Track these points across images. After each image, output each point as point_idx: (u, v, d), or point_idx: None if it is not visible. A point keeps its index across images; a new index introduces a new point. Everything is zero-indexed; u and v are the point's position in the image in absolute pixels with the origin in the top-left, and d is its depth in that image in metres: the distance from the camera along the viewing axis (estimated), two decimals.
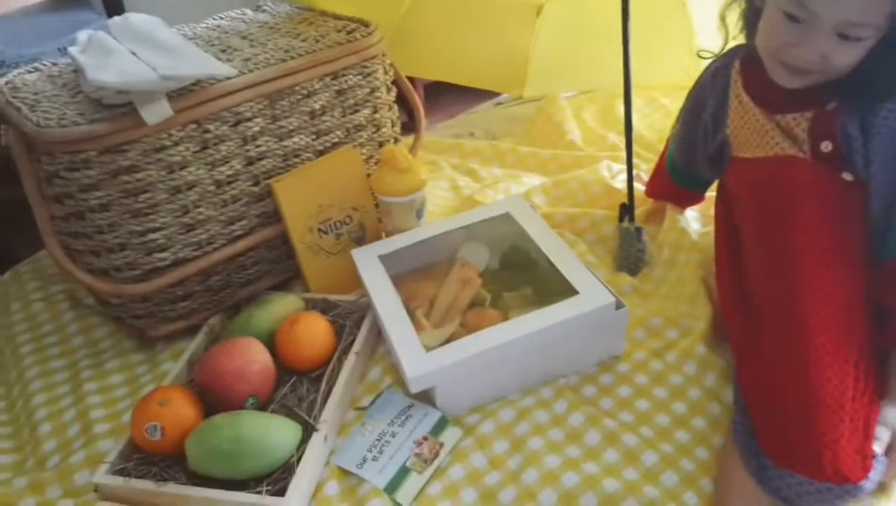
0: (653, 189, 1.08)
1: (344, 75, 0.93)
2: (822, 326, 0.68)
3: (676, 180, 1.00)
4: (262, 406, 0.80)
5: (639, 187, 1.08)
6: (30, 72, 0.91)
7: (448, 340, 0.81)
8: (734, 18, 0.83)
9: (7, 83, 0.87)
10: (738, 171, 0.83)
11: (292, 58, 0.88)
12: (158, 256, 0.87)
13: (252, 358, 0.80)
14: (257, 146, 0.89)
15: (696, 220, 1.01)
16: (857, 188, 0.72)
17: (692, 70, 1.38)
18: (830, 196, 0.73)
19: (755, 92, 0.80)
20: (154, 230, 0.85)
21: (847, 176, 0.73)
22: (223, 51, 0.93)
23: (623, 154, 1.11)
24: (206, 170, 0.86)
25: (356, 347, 0.85)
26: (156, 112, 0.77)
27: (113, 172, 0.80)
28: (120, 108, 0.79)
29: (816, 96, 0.73)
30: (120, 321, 0.96)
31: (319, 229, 0.96)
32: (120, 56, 0.80)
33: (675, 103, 1.37)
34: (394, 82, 1.02)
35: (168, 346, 0.94)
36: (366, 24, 0.97)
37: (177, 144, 0.82)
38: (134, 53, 0.83)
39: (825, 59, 0.69)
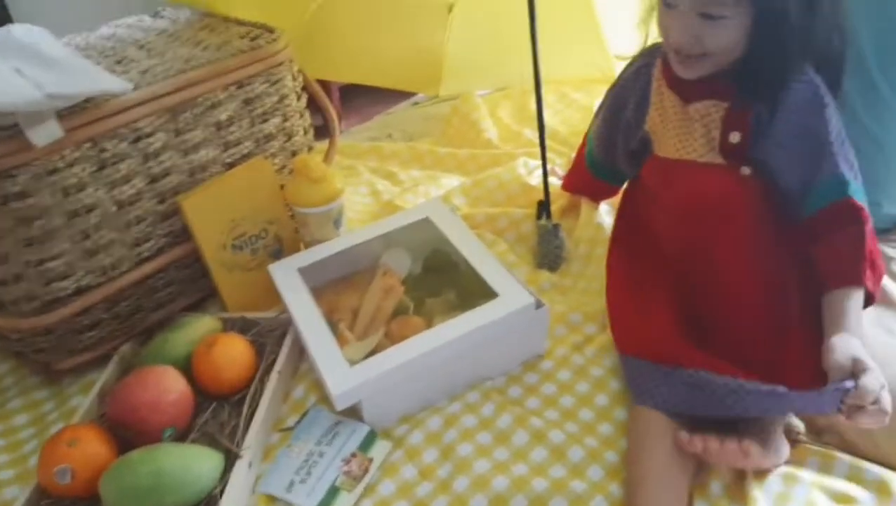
0: (570, 183, 1.10)
1: (250, 84, 0.90)
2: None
3: (595, 174, 1.01)
4: (182, 436, 0.77)
5: (555, 182, 1.10)
6: None
7: (373, 352, 0.80)
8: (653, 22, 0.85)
9: None
10: (656, 168, 0.86)
11: (193, 68, 0.85)
12: (59, 286, 0.82)
13: (167, 387, 0.77)
14: (160, 162, 0.85)
15: (609, 213, 1.04)
16: (757, 182, 0.77)
17: (603, 65, 1.43)
18: (738, 199, 0.78)
19: (675, 86, 0.82)
20: (52, 258, 0.80)
21: (745, 170, 0.76)
22: (118, 62, 0.88)
23: (538, 150, 1.13)
24: (106, 191, 0.81)
25: (278, 365, 0.83)
26: (44, 133, 0.72)
27: (2, 198, 0.74)
28: (5, 130, 0.73)
29: (728, 87, 0.77)
30: (22, 356, 0.90)
31: (234, 245, 0.93)
32: (1, 74, 0.74)
33: (586, 98, 1.40)
34: (304, 88, 1.00)
35: (76, 379, 0.89)
36: (270, 30, 0.94)
37: (71, 166, 0.77)
38: (18, 70, 0.77)
39: (699, 40, 0.72)
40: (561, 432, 0.76)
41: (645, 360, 0.77)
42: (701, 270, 0.81)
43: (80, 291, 0.83)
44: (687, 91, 0.80)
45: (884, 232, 0.95)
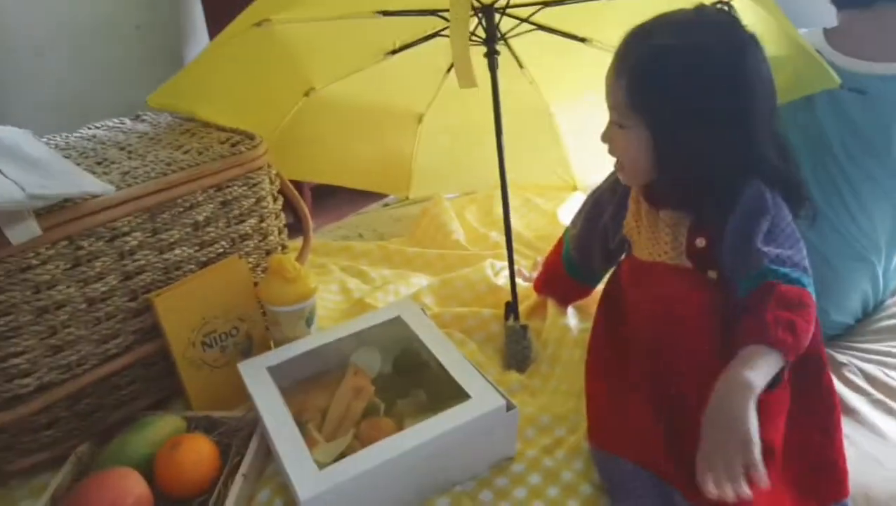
0: (542, 285, 1.12)
1: (228, 187, 0.93)
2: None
3: (573, 275, 1.05)
4: None
5: (521, 284, 1.14)
6: None
7: (342, 455, 0.79)
8: None
9: None
10: (630, 268, 0.91)
11: (174, 171, 0.87)
12: (20, 383, 0.80)
13: (126, 491, 0.74)
14: (135, 260, 0.86)
15: (575, 315, 1.07)
16: (720, 284, 0.81)
17: (561, 171, 1.51)
18: (704, 302, 0.80)
19: (648, 196, 0.88)
20: (16, 354, 0.79)
21: (712, 274, 0.81)
22: (99, 163, 0.91)
23: (505, 252, 1.17)
24: (78, 288, 0.82)
25: (243, 468, 0.81)
26: (22, 232, 0.73)
27: None
28: None
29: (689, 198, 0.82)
30: None
31: (203, 343, 0.92)
32: None
33: (548, 203, 1.48)
34: (279, 191, 1.03)
35: (26, 481, 0.85)
36: (250, 137, 0.98)
37: (45, 263, 0.78)
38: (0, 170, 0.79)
39: (611, 146, 0.82)
40: None
41: (624, 459, 0.79)
42: (666, 368, 0.83)
43: (41, 389, 0.82)
44: (658, 200, 0.86)
45: (832, 339, 1.01)
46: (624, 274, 0.92)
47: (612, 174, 0.95)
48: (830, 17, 0.97)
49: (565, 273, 1.06)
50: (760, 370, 0.67)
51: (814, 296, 0.72)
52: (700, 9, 0.77)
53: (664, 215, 0.84)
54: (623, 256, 0.94)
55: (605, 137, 0.83)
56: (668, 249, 0.83)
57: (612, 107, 0.80)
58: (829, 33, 0.95)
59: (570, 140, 1.46)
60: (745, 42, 0.75)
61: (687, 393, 0.80)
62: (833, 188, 0.95)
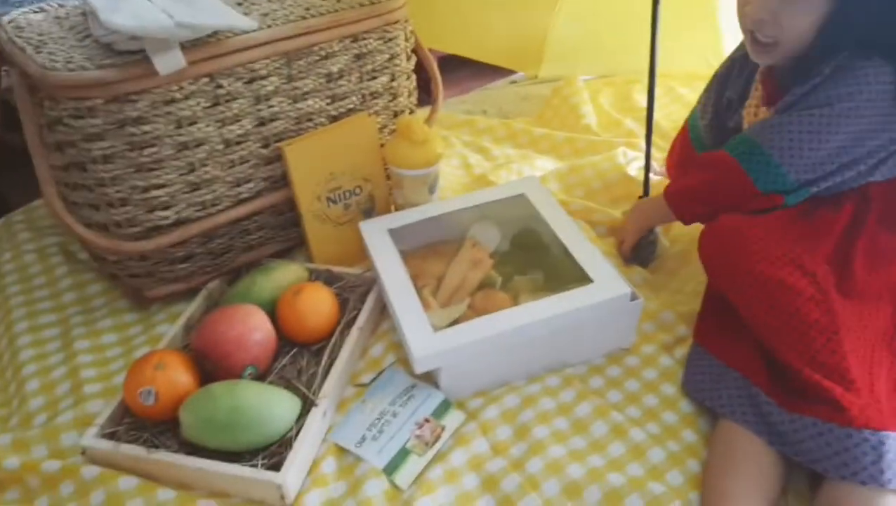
0: (677, 171, 1.05)
1: (364, 39, 0.89)
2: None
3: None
4: (260, 377, 0.78)
5: (653, 178, 1.06)
6: (35, 12, 0.86)
7: (456, 322, 0.79)
8: None
9: (10, 22, 0.83)
10: None
11: (312, 16, 0.85)
12: (160, 214, 0.84)
13: (254, 325, 0.78)
14: (270, 107, 0.86)
15: None
16: None
17: (714, 60, 1.36)
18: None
19: (765, 78, 0.83)
20: (158, 187, 0.82)
21: None
22: (239, 3, 0.89)
23: (639, 141, 1.09)
24: (216, 127, 0.83)
25: (359, 322, 0.83)
26: (169, 62, 0.74)
27: (119, 122, 0.76)
28: (131, 54, 0.75)
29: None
30: (115, 279, 0.93)
31: (328, 198, 0.93)
32: (135, 1, 0.76)
33: (693, 94, 1.34)
34: (413, 51, 0.98)
35: (164, 308, 0.91)
36: None
37: (187, 98, 0.79)
38: None
39: (775, 19, 0.71)
40: (642, 431, 0.73)
41: (721, 361, 0.75)
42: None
43: (179, 223, 0.85)
44: (769, 91, 0.81)
45: None
46: None
47: (740, 45, 0.88)
48: None
49: (695, 153, 0.98)
50: (655, 209, 0.90)
51: (738, 164, 0.76)
52: None
53: (765, 110, 0.80)
54: None
55: (766, 11, 0.72)
56: None
57: None
58: None
59: (728, 23, 1.30)
60: None
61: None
62: None
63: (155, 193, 0.82)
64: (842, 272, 0.72)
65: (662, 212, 0.88)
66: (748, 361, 0.74)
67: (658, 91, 1.32)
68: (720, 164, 0.79)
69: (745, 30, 0.76)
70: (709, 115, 0.93)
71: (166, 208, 0.84)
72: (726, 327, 0.77)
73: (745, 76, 0.86)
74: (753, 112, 0.84)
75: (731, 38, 1.31)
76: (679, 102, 1.34)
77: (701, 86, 1.34)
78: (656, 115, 1.27)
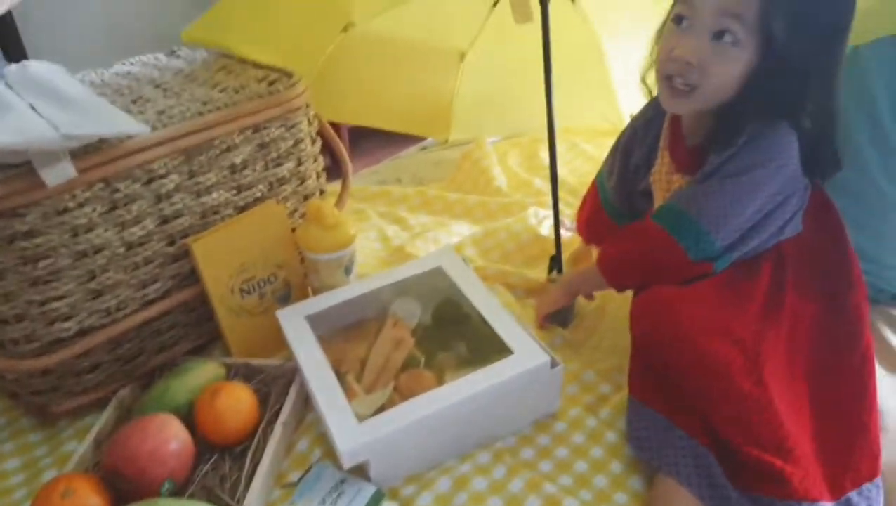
0: (587, 232, 1.07)
1: (266, 128, 0.89)
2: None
3: (616, 220, 1.01)
4: (180, 489, 0.74)
5: (565, 234, 1.09)
6: None
7: (381, 408, 0.78)
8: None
9: None
10: None
11: (210, 111, 0.84)
12: (62, 326, 0.79)
13: (169, 436, 0.74)
14: (172, 204, 0.84)
15: None
16: None
17: (612, 117, 1.44)
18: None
19: (672, 150, 0.85)
20: (56, 298, 0.78)
21: None
22: (134, 101, 0.87)
23: (548, 199, 1.12)
24: (116, 231, 0.80)
25: (282, 416, 0.80)
26: (57, 173, 0.71)
27: (8, 237, 0.72)
28: (16, 167, 0.72)
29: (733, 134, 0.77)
30: (16, 397, 0.87)
31: (242, 289, 0.91)
32: (17, 112, 0.73)
33: (596, 149, 1.41)
34: (318, 133, 0.99)
35: (72, 422, 0.86)
36: (288, 75, 0.93)
37: (82, 206, 0.76)
38: (33, 107, 0.76)
39: (702, 65, 0.72)
40: (575, 500, 0.73)
41: (665, 417, 0.76)
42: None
43: (82, 333, 0.81)
44: (679, 160, 0.83)
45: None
46: None
47: (645, 113, 0.91)
48: None
49: (608, 219, 1.02)
50: (585, 280, 0.93)
51: (669, 234, 0.77)
52: None
53: (677, 178, 0.82)
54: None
55: (695, 55, 0.71)
56: None
57: (734, 16, 0.69)
58: None
59: (620, 81, 1.37)
60: None
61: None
62: None
63: (54, 305, 0.78)
64: (770, 328, 0.75)
65: (593, 281, 0.89)
66: (691, 420, 0.74)
67: (561, 147, 1.40)
68: (652, 233, 0.79)
69: (663, 76, 0.76)
70: (615, 178, 0.96)
71: (67, 319, 0.80)
72: (664, 382, 0.78)
73: (648, 143, 0.89)
74: (665, 180, 0.86)
75: (624, 93, 1.39)
76: (583, 157, 1.40)
77: (602, 141, 1.43)
78: (562, 172, 1.33)
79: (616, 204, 0.98)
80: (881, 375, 0.84)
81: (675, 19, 0.74)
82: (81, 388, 0.85)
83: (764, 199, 0.75)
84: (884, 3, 0.79)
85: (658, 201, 0.88)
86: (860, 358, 0.76)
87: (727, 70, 0.72)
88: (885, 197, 0.89)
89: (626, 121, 1.42)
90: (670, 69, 0.74)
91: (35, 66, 0.87)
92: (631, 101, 1.38)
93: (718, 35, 0.70)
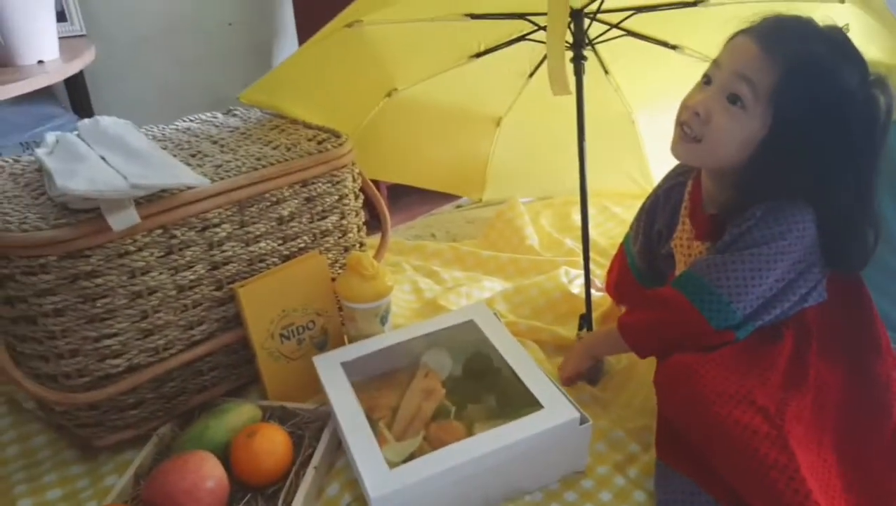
0: (617, 294, 1.10)
1: (313, 183, 0.95)
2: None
3: (642, 282, 1.03)
4: None
5: (595, 294, 1.12)
6: None
7: (412, 456, 0.80)
8: None
9: None
10: None
11: (263, 166, 0.90)
12: (112, 363, 0.84)
13: (206, 474, 0.76)
14: (223, 251, 0.89)
15: None
16: None
17: (640, 179, 1.48)
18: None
19: (693, 218, 0.88)
20: (110, 336, 0.82)
21: None
22: (193, 155, 0.94)
23: (579, 259, 1.15)
24: (169, 275, 0.85)
25: (315, 460, 0.82)
26: (123, 219, 0.77)
27: (72, 276, 0.78)
28: (85, 213, 0.78)
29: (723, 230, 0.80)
30: (62, 429, 0.91)
31: (282, 335, 0.95)
32: (89, 162, 0.80)
33: (626, 212, 1.44)
34: (360, 189, 1.04)
35: (113, 457, 0.89)
36: (336, 135, 0.99)
37: (141, 250, 0.81)
38: (103, 158, 0.83)
39: (706, 117, 0.75)
40: None
41: (693, 482, 0.76)
42: None
43: (130, 370, 0.85)
44: (699, 227, 0.86)
45: None
46: None
47: (667, 179, 0.95)
48: None
49: (635, 280, 1.04)
50: (606, 342, 0.94)
51: (690, 303, 0.79)
52: (837, 32, 0.74)
53: (698, 245, 0.85)
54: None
55: (703, 106, 0.76)
56: None
57: (747, 80, 0.73)
58: None
59: (651, 147, 1.42)
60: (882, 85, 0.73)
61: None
62: None
63: (107, 342, 0.83)
64: (794, 397, 0.75)
65: (614, 344, 0.89)
66: (719, 485, 0.74)
67: (593, 210, 1.43)
68: (672, 302, 0.80)
69: (677, 122, 0.80)
70: (640, 242, 0.99)
71: (118, 357, 0.84)
72: (691, 446, 0.78)
73: (670, 209, 0.92)
74: (686, 245, 0.88)
75: (654, 159, 1.43)
76: (614, 220, 1.43)
77: (633, 203, 1.45)
78: (593, 233, 1.36)
79: (641, 267, 1.01)
80: None
81: (705, 79, 0.78)
82: (124, 423, 0.88)
83: (784, 268, 0.77)
84: None
85: (680, 267, 0.90)
86: (892, 429, 0.76)
87: (730, 128, 0.75)
88: None
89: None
90: (682, 116, 0.79)
91: (105, 121, 0.95)
92: (662, 166, 1.42)
93: (732, 99, 0.74)
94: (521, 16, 1.05)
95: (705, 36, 0.80)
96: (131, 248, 0.81)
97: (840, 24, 0.75)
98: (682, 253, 0.89)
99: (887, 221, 0.89)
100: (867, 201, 0.76)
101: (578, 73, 1.03)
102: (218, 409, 0.89)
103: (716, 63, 0.77)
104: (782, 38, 0.73)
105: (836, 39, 0.73)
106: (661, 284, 0.98)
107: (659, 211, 0.95)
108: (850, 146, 0.73)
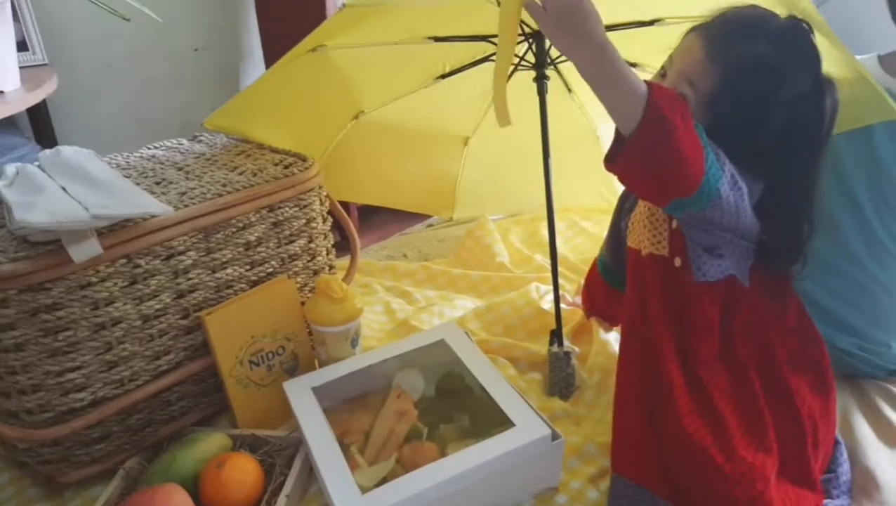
0: (586, 299, 1.12)
1: (280, 208, 0.95)
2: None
3: (609, 281, 1.06)
4: None
5: (565, 308, 1.13)
6: None
7: (384, 479, 0.79)
8: None
9: None
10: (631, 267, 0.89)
11: (229, 192, 0.89)
12: (75, 397, 0.82)
13: None
14: (189, 279, 0.88)
15: None
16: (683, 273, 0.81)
17: (606, 193, 1.50)
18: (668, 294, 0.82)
19: None
20: (73, 369, 0.81)
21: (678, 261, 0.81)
22: (158, 183, 0.93)
23: (549, 275, 1.16)
24: (134, 305, 0.84)
25: (287, 488, 0.81)
26: (84, 250, 0.76)
27: (32, 310, 0.76)
28: (45, 245, 0.76)
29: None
30: (25, 466, 0.89)
31: (251, 361, 0.94)
32: (49, 193, 0.79)
33: (594, 227, 1.46)
34: (329, 211, 1.04)
35: (79, 493, 0.87)
36: (303, 158, 1.00)
37: (104, 280, 0.80)
38: (64, 189, 0.82)
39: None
40: None
41: (637, 485, 0.78)
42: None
43: (95, 403, 0.84)
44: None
45: (892, 374, 0.97)
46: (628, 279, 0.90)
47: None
48: (880, 44, 0.94)
49: (601, 280, 1.06)
50: (617, 60, 0.65)
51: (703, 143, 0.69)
52: (793, 23, 0.75)
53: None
54: None
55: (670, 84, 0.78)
56: (652, 237, 0.83)
57: (688, 82, 0.75)
58: (885, 60, 0.92)
59: None
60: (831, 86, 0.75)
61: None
62: (892, 217, 0.91)
63: (70, 375, 0.81)
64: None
65: (621, 84, 0.66)
66: (667, 485, 0.77)
67: (561, 225, 1.45)
68: (694, 134, 0.69)
69: None
70: (610, 237, 1.02)
71: (82, 390, 0.82)
72: (644, 452, 0.80)
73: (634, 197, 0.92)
74: (647, 208, 0.85)
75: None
76: (583, 235, 1.44)
77: (600, 218, 1.48)
78: (562, 248, 1.38)
79: (608, 265, 1.03)
80: (879, 449, 0.85)
81: (662, 72, 0.80)
82: (90, 458, 0.86)
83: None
84: (855, 97, 0.84)
85: (634, 237, 0.88)
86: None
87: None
88: (873, 279, 0.92)
89: None
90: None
91: (67, 151, 0.94)
92: None
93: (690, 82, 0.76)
94: (484, 38, 1.07)
95: (665, 53, 0.82)
96: (94, 279, 0.79)
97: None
98: (635, 217, 0.88)
99: (847, 234, 0.92)
100: (807, 199, 0.77)
101: (542, 91, 1.04)
102: (186, 439, 0.87)
103: (670, 58, 0.80)
104: (729, 40, 0.74)
105: (787, 38, 0.74)
106: (623, 285, 0.97)
107: (630, 196, 0.96)
108: (793, 145, 0.75)
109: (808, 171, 0.76)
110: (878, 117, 0.87)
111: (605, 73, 0.66)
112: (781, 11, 0.77)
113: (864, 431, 0.88)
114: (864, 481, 0.81)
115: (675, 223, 0.80)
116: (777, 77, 0.73)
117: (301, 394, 0.89)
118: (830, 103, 0.74)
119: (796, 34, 0.75)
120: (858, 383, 0.95)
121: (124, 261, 0.81)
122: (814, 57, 0.75)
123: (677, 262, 0.80)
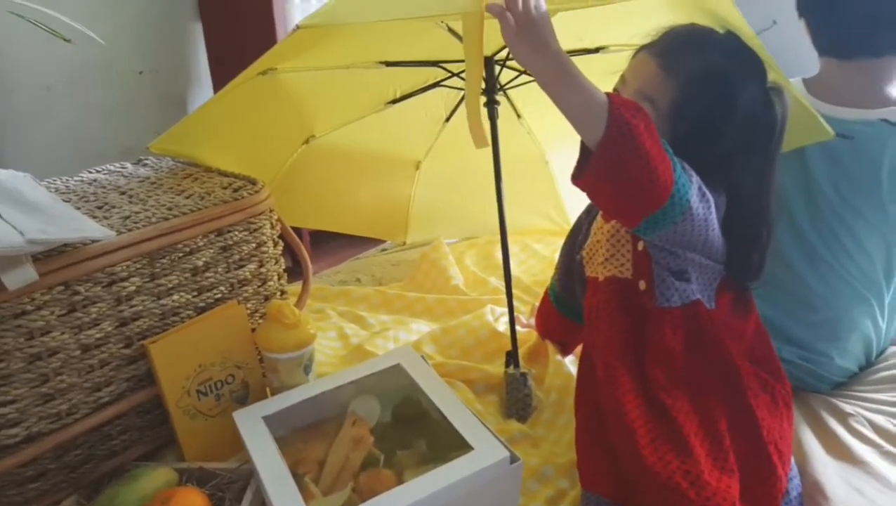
0: (540, 324, 1.13)
1: (229, 232, 0.92)
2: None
3: (561, 309, 1.06)
4: None
5: (520, 330, 1.13)
6: None
7: None
8: None
9: None
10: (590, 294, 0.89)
11: (175, 216, 0.87)
12: (8, 433, 0.77)
13: None
14: (132, 306, 0.85)
15: (576, 363, 1.06)
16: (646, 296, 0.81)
17: (556, 217, 1.52)
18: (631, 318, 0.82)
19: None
20: (5, 404, 0.76)
21: (643, 284, 0.81)
22: (100, 207, 0.90)
23: (504, 297, 1.16)
24: (72, 334, 0.80)
25: None
26: (19, 277, 0.72)
27: None
28: None
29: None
30: None
31: (199, 391, 0.90)
32: None
33: (546, 249, 1.48)
34: (280, 236, 1.02)
35: None
36: (252, 182, 0.98)
37: (40, 309, 0.76)
38: None
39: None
40: None
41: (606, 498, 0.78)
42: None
43: (29, 439, 0.79)
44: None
45: (836, 387, 1.00)
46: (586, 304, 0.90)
47: (585, 210, 0.97)
48: (803, 68, 0.99)
49: (554, 308, 1.06)
50: (573, 67, 0.66)
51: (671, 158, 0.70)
52: (734, 39, 0.78)
53: (608, 227, 0.84)
54: None
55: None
56: (614, 260, 0.83)
57: (646, 98, 0.76)
58: (809, 82, 0.97)
59: (566, 186, 1.47)
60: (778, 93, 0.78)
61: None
62: (829, 231, 0.95)
63: (2, 410, 0.76)
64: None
65: (581, 93, 0.66)
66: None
67: (514, 248, 1.46)
68: (662, 149, 0.70)
69: None
70: (561, 268, 1.02)
71: (15, 425, 0.78)
72: (610, 471, 0.80)
73: (588, 222, 0.92)
74: (603, 231, 0.85)
75: (568, 197, 1.48)
76: (535, 257, 1.46)
77: (552, 241, 1.50)
78: (516, 271, 1.39)
79: (560, 295, 1.04)
80: (828, 462, 0.87)
81: (615, 93, 0.79)
82: (23, 498, 0.81)
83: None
84: (791, 119, 0.89)
85: (593, 266, 0.88)
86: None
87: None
88: (815, 294, 0.95)
89: (573, 222, 1.52)
90: None
91: (2, 175, 0.90)
92: (577, 203, 1.47)
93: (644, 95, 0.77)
94: (435, 63, 1.08)
95: (611, 77, 0.84)
96: (29, 307, 0.75)
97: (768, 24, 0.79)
98: (598, 247, 0.87)
99: (786, 248, 0.95)
100: (765, 206, 0.79)
101: (492, 117, 1.06)
102: (129, 475, 0.83)
103: (622, 78, 0.81)
104: (683, 52, 0.77)
105: (733, 46, 0.77)
106: (579, 311, 0.97)
107: (581, 231, 0.95)
108: (750, 153, 0.77)
109: (766, 178, 0.79)
110: (813, 139, 0.92)
111: (565, 81, 0.66)
112: (720, 30, 0.80)
113: (812, 444, 0.90)
114: (814, 494, 0.83)
115: (640, 245, 0.81)
116: (732, 85, 0.76)
117: (252, 423, 0.86)
118: (780, 110, 0.77)
119: (743, 45, 0.78)
120: (804, 398, 0.98)
121: (62, 288, 0.78)
122: (761, 67, 0.78)
123: (642, 285, 0.81)
